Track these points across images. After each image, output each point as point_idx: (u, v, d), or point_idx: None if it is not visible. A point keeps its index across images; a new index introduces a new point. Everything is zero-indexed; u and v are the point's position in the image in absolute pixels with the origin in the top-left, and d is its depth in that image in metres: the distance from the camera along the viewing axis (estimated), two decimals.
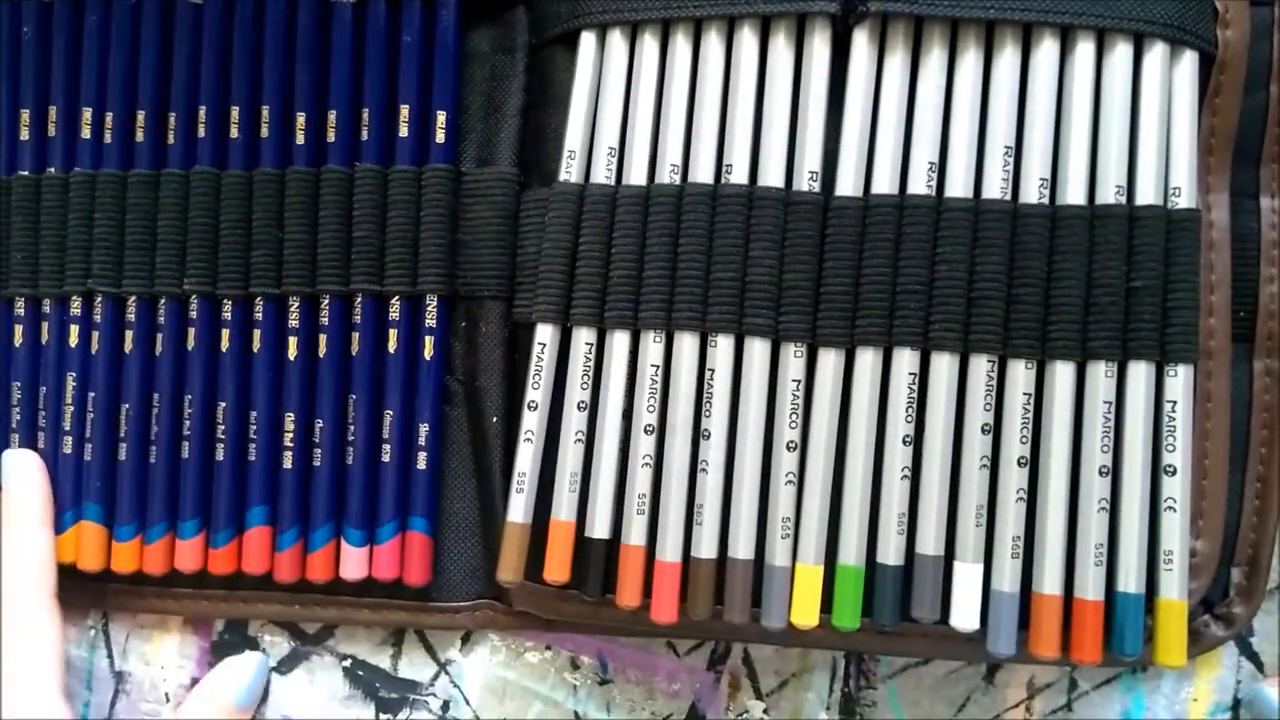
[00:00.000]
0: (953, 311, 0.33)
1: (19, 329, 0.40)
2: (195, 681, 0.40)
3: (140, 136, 0.38)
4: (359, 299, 0.37)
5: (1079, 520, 0.33)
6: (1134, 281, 0.32)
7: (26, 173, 0.39)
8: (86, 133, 0.39)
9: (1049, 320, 0.33)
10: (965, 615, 0.33)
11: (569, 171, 0.36)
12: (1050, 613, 0.32)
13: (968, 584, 0.33)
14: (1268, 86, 0.35)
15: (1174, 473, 0.32)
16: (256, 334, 0.38)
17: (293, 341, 0.38)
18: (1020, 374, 0.33)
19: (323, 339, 0.37)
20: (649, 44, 0.35)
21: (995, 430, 0.33)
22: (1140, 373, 0.32)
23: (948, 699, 0.38)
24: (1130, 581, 0.32)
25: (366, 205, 0.37)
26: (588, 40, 0.36)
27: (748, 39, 0.35)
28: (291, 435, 0.37)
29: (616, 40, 0.36)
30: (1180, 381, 0.33)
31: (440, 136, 0.37)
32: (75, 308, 0.39)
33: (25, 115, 0.39)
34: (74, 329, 0.39)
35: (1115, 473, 0.33)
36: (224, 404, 0.38)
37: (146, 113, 0.38)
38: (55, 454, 0.39)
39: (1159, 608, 0.32)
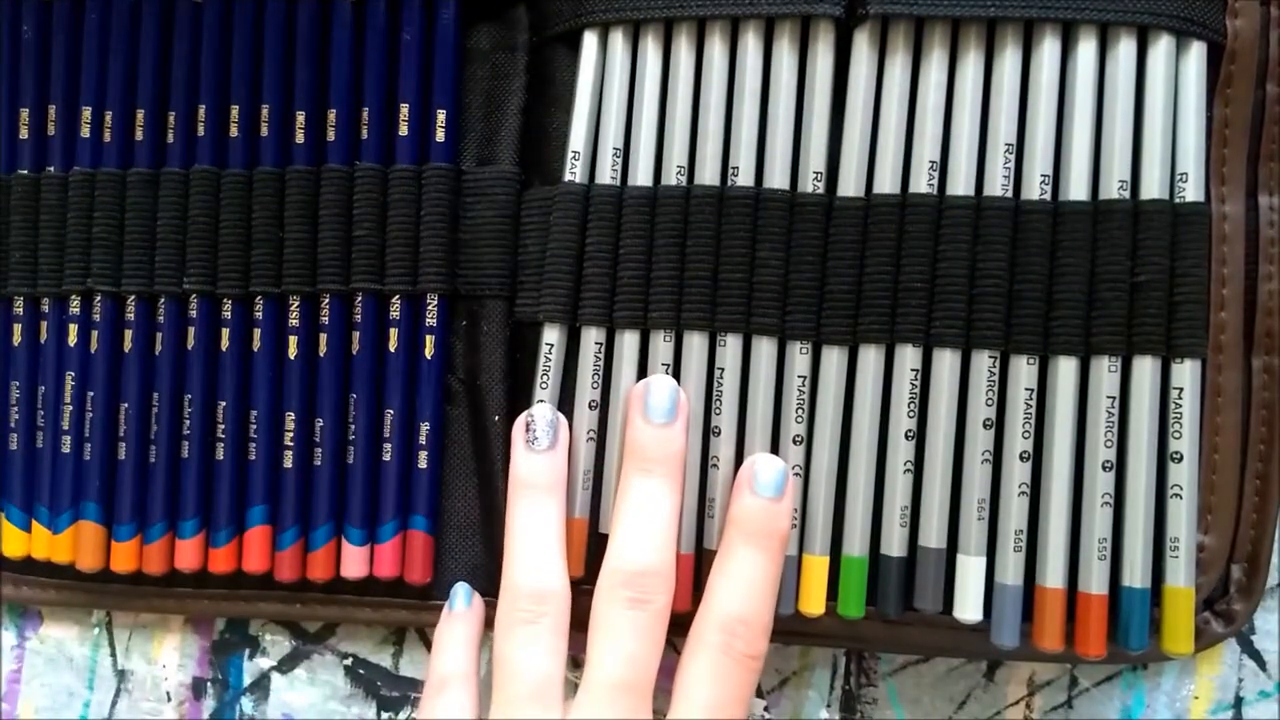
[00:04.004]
0: (954, 308, 0.33)
1: (17, 328, 0.39)
2: (196, 680, 0.40)
3: (140, 135, 0.38)
4: (359, 298, 0.37)
5: (1083, 515, 0.33)
6: (1138, 276, 0.32)
7: (26, 171, 0.39)
8: (86, 131, 0.39)
9: (1051, 316, 0.33)
10: (968, 607, 0.33)
11: (574, 172, 0.36)
12: (1054, 605, 0.33)
13: (971, 576, 0.33)
14: (1264, 85, 0.35)
15: (1180, 459, 0.33)
16: (256, 333, 0.38)
17: (293, 341, 0.37)
18: (1023, 369, 0.33)
19: (323, 338, 0.37)
20: (651, 44, 0.35)
21: (998, 425, 0.33)
22: (1145, 367, 0.32)
23: (948, 696, 0.38)
24: (1135, 576, 0.32)
25: (366, 204, 0.37)
26: (590, 40, 0.36)
27: (751, 40, 0.35)
28: (292, 434, 0.37)
29: (619, 40, 0.36)
30: (1187, 369, 0.33)
31: (440, 135, 0.37)
32: (74, 307, 0.39)
33: (24, 114, 0.39)
34: (73, 328, 0.39)
35: (1120, 467, 0.33)
36: (224, 403, 0.38)
37: (146, 111, 0.38)
38: (54, 453, 0.39)
39: (1166, 595, 0.33)
